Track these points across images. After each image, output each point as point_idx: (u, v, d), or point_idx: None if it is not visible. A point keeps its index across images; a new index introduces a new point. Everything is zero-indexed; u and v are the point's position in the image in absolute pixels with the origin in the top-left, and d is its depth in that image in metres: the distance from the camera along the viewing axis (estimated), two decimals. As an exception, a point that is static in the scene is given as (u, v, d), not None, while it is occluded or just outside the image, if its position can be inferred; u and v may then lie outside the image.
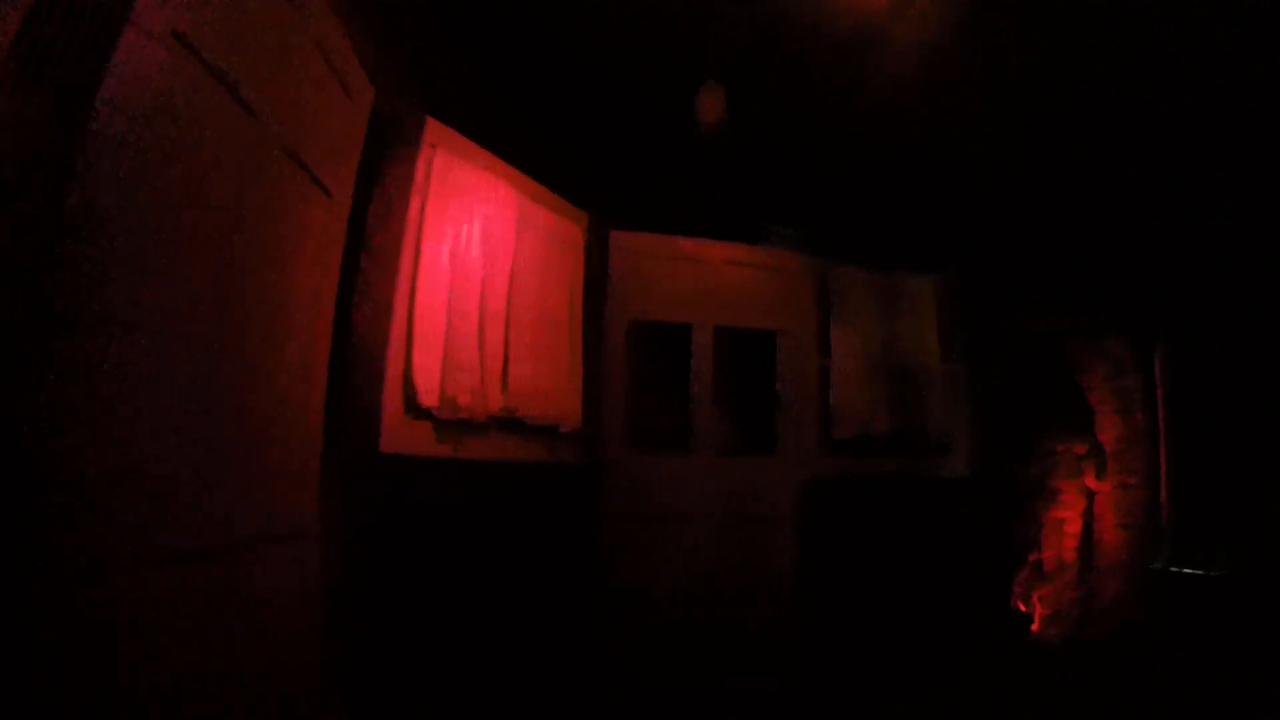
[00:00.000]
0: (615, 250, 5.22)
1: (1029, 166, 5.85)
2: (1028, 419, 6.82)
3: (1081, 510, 7.04)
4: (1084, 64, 4.64)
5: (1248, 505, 7.29)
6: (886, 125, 5.34)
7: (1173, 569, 7.45)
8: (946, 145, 5.62)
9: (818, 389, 5.69)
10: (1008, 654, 6.24)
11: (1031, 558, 7.00)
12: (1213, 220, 6.72)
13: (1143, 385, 7.21)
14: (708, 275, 5.40)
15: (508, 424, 4.35)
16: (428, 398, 3.66)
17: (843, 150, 5.65)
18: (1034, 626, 7.07)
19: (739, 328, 5.47)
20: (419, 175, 3.63)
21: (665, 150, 5.53)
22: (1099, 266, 7.00)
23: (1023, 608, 7.08)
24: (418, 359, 3.62)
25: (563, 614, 4.93)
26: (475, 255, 4.03)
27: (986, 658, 5.98)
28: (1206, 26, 4.19)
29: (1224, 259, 7.12)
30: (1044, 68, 4.67)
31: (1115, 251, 7.00)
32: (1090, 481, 7.04)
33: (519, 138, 4.78)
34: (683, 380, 5.29)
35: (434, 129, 3.72)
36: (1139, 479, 7.11)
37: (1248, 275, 7.26)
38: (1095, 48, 4.47)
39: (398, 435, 3.52)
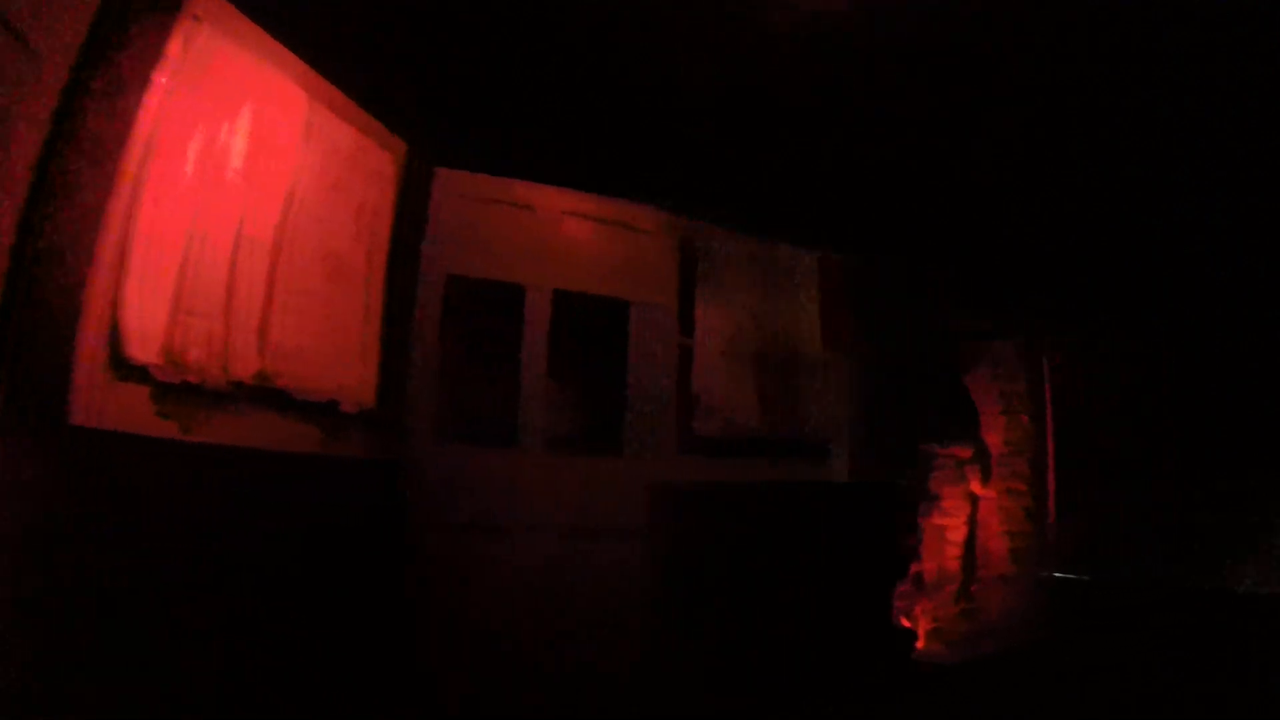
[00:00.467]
0: (439, 191, 4.26)
1: (930, 149, 5.23)
2: (912, 420, 6.21)
3: (965, 517, 6.50)
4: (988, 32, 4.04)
5: (1134, 511, 6.95)
6: (773, 75, 4.58)
7: (1059, 578, 7.05)
8: (837, 107, 4.92)
9: (677, 374, 4.85)
10: (889, 676, 5.53)
11: (913, 569, 6.38)
12: (1105, 225, 6.30)
13: (1030, 388, 6.77)
14: (549, 229, 4.48)
15: (265, 396, 3.29)
16: (141, 348, 2.77)
17: (720, 98, 4.84)
18: (919, 644, 6.45)
19: (584, 294, 4.56)
20: (171, 50, 2.81)
21: (512, 79, 4.56)
22: (992, 266, 6.50)
23: (905, 624, 6.44)
24: (132, 293, 2.73)
25: (362, 648, 3.83)
26: (236, 166, 3.20)
27: (867, 681, 5.24)
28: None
29: (1111, 265, 6.76)
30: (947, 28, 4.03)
31: (1008, 252, 6.52)
32: (975, 487, 6.52)
33: (320, 28, 3.69)
34: (513, 356, 4.35)
35: (199, -6, 2.83)
36: (1026, 485, 6.64)
37: (1133, 282, 6.94)
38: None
39: (95, 402, 2.61)
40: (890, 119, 4.91)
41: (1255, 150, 5.01)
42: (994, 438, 6.54)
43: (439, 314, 4.12)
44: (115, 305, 2.64)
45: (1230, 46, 4.13)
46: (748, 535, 4.94)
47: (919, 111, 4.80)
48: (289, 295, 3.41)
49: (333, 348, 3.63)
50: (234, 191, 3.17)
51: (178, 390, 2.89)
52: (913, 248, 6.00)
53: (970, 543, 6.59)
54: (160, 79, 2.78)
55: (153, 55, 2.79)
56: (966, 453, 6.42)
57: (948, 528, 6.46)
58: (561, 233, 4.50)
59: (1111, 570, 6.86)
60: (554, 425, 4.58)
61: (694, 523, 4.74)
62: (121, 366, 2.69)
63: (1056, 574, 6.78)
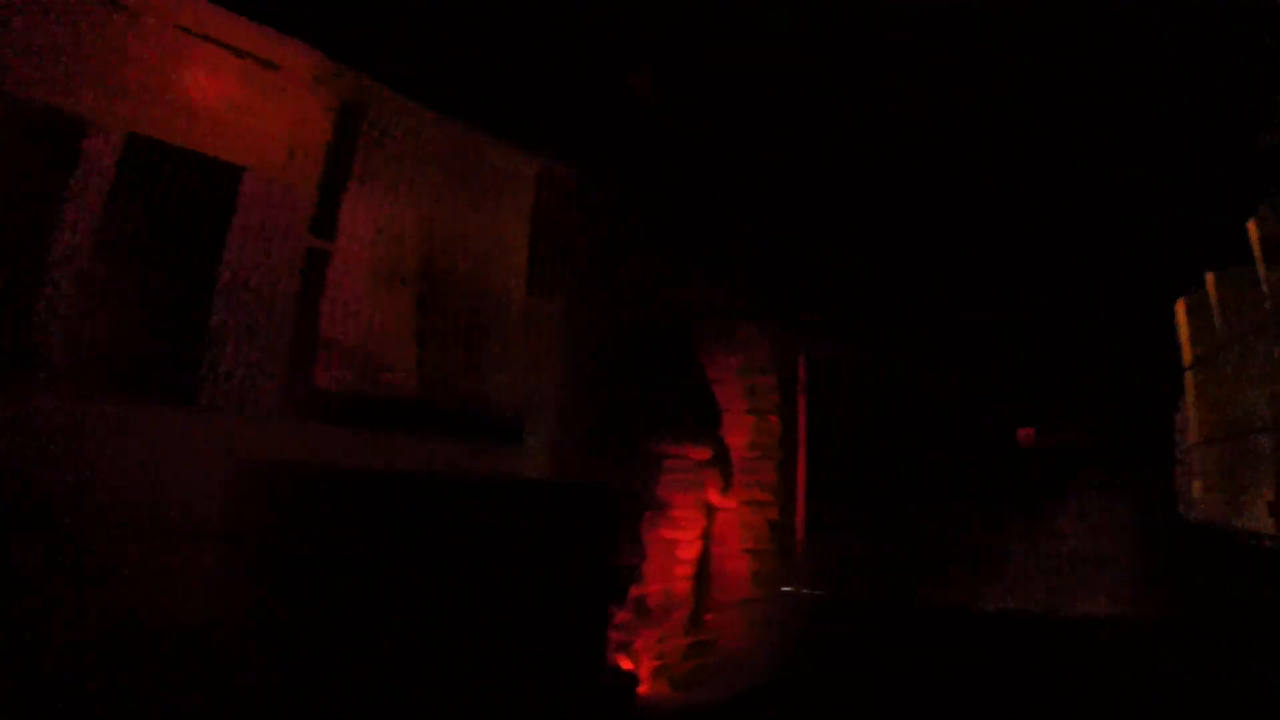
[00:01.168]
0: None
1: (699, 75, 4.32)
2: (639, 407, 5.17)
3: (700, 531, 5.51)
4: None
5: (885, 528, 6.26)
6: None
7: (807, 598, 6.22)
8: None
9: (300, 292, 3.52)
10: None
11: (634, 592, 5.29)
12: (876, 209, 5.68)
13: (783, 385, 5.97)
14: (144, 43, 3.08)
15: None
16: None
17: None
18: (642, 687, 5.33)
19: (175, 147, 3.15)
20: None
21: None
22: (749, 237, 5.67)
23: (624, 663, 5.30)
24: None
25: None
26: None
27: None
28: None
29: (890, 253, 6.17)
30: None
31: (767, 224, 5.73)
32: (713, 496, 5.56)
33: None
34: (49, 228, 2.87)
35: None
36: (772, 496, 5.77)
37: (908, 280, 6.40)
38: None
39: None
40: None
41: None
42: (738, 439, 5.64)
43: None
44: None
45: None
46: (395, 550, 3.53)
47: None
48: None
49: None
50: None
51: None
52: (664, 182, 5.03)
53: (704, 562, 5.59)
54: None
55: None
56: (704, 454, 5.46)
57: (678, 543, 5.43)
58: (161, 51, 3.10)
59: (862, 591, 6.13)
60: (95, 348, 3.11)
61: (308, 527, 3.18)
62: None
63: (805, 594, 5.92)
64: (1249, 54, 3.91)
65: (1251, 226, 4.24)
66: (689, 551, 5.46)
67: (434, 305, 4.00)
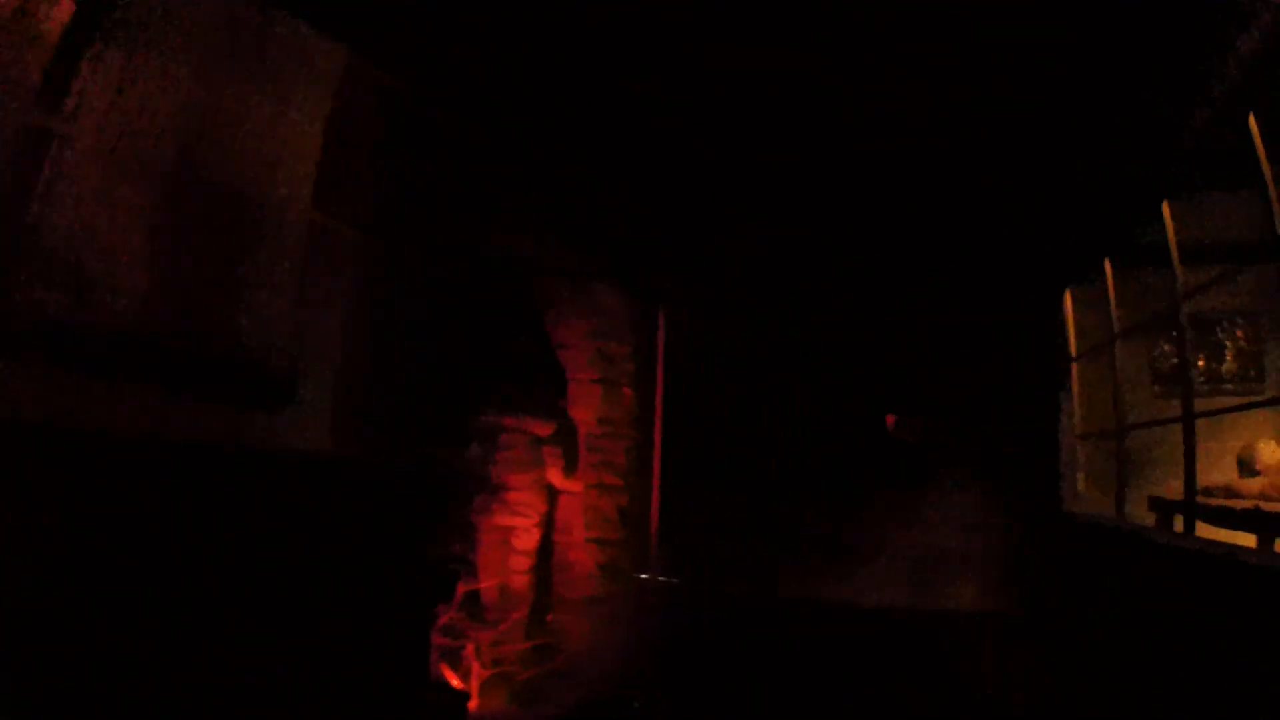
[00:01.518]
0: None
1: None
2: (465, 373, 4.37)
3: (540, 518, 4.78)
4: None
5: (744, 517, 5.74)
6: None
7: (668, 605, 5.60)
8: None
9: (9, 181, 2.55)
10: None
11: (463, 589, 4.50)
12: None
13: (639, 353, 5.32)
14: None
15: None
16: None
17: None
18: (472, 703, 4.55)
19: None
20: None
21: None
22: (608, 188, 4.98)
23: (451, 678, 4.51)
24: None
25: None
26: None
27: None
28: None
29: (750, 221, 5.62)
30: None
31: (628, 174, 5.04)
32: (555, 477, 4.84)
33: None
34: None
35: None
36: (623, 478, 5.10)
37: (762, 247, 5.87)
38: None
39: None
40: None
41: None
42: (586, 413, 4.94)
43: None
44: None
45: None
46: (123, 541, 2.61)
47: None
48: None
49: None
50: None
51: None
52: (510, 114, 4.23)
53: (546, 553, 4.86)
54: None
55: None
56: (546, 429, 4.73)
57: (515, 531, 4.68)
58: None
59: (722, 583, 5.60)
60: None
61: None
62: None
63: (659, 585, 5.30)
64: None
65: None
66: (528, 541, 4.71)
67: (186, 213, 3.08)
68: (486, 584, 4.61)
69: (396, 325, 3.81)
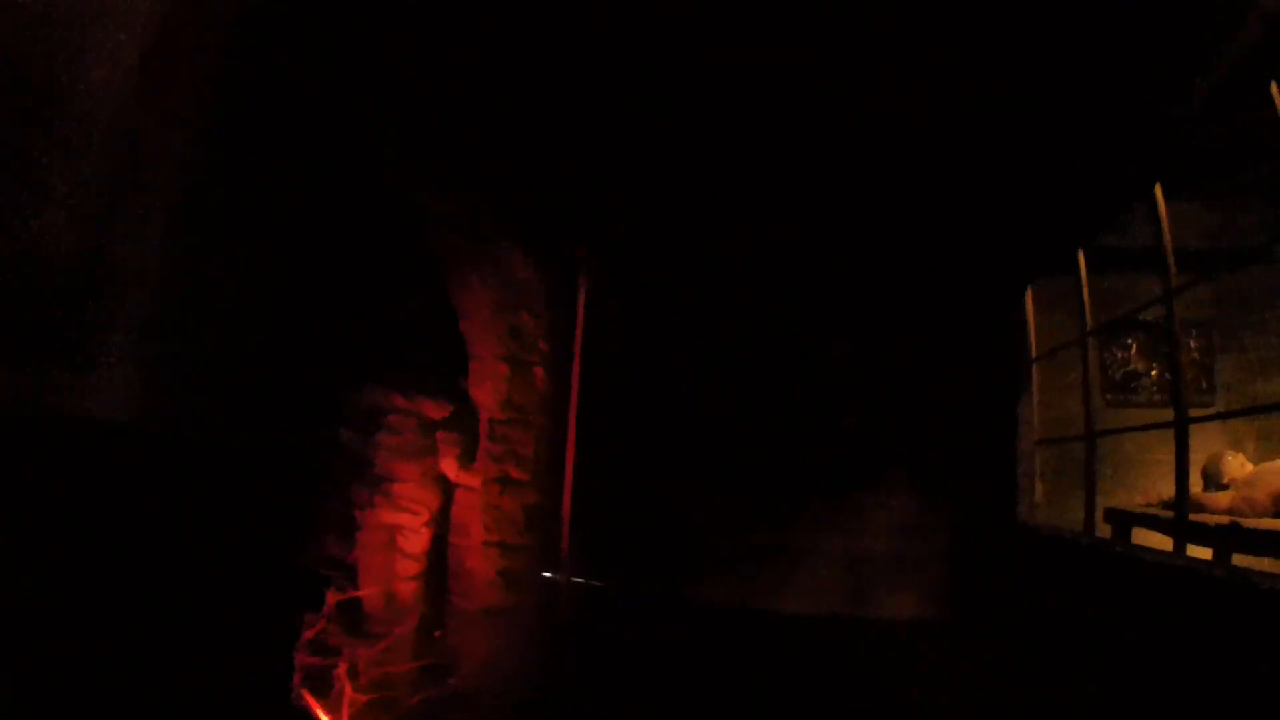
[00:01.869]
0: None
1: None
2: (340, 339, 3.66)
3: (431, 515, 4.09)
4: None
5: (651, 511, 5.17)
6: None
7: (578, 615, 4.97)
8: None
9: None
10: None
11: (335, 597, 3.77)
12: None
13: (555, 332, 4.68)
14: None
15: None
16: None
17: None
18: (346, 731, 3.84)
19: None
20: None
21: None
22: (524, 137, 4.34)
23: (312, 704, 3.78)
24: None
25: None
26: None
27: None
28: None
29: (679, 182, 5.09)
30: None
31: (548, 125, 4.43)
32: (450, 468, 4.16)
33: None
34: None
35: None
36: (531, 472, 4.44)
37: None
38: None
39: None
40: None
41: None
42: (488, 396, 4.27)
43: None
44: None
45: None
46: None
47: None
48: None
49: None
50: None
51: None
52: (405, 48, 3.57)
53: (438, 557, 4.17)
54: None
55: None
56: (440, 412, 4.05)
57: (403, 530, 3.99)
58: None
59: (641, 588, 5.03)
60: None
61: None
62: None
63: (572, 593, 4.65)
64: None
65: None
66: (417, 543, 4.02)
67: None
68: (367, 591, 3.90)
69: (251, 271, 3.08)
